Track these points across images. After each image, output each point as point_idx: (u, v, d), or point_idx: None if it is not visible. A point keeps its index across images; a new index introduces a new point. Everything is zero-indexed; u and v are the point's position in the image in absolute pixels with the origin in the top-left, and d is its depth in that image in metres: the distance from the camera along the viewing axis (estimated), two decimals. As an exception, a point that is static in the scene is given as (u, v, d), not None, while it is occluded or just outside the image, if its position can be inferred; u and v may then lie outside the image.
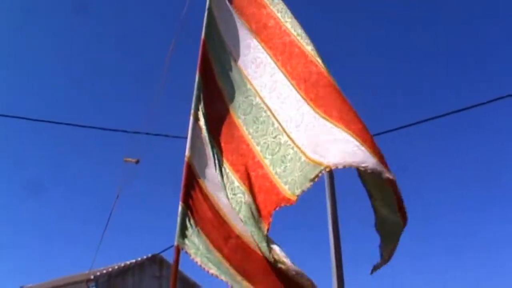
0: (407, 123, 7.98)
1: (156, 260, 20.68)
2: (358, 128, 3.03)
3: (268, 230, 3.13)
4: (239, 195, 3.39)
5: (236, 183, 3.48)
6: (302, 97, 3.46)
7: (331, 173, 9.32)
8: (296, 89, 3.55)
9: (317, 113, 3.29)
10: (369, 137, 3.00)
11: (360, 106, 3.26)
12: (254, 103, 3.84)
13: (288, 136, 3.42)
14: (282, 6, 4.00)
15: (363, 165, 2.83)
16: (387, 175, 2.81)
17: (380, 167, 2.82)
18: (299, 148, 3.27)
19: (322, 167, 2.99)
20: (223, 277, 3.22)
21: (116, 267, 19.84)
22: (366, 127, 3.07)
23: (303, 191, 3.04)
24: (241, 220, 3.27)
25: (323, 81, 3.43)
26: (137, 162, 4.71)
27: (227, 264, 3.28)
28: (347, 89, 3.44)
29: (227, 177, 3.55)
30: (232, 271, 3.26)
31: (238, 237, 3.36)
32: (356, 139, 2.96)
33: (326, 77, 3.41)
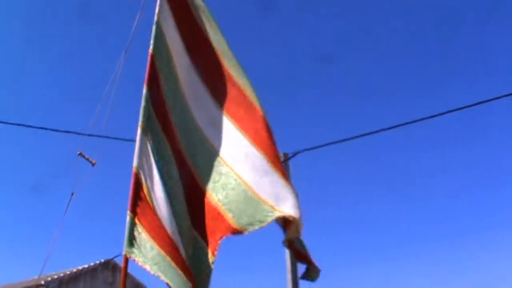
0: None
1: (108, 266, 20.36)
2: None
3: (214, 258, 3.61)
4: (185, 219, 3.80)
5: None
6: (244, 136, 4.06)
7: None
8: (237, 128, 4.15)
9: (262, 155, 3.94)
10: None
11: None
12: (197, 137, 4.29)
13: (230, 167, 3.92)
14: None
15: (301, 221, 3.56)
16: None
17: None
18: (242, 180, 3.78)
19: (274, 214, 3.57)
20: (172, 284, 3.27)
21: (68, 272, 19.45)
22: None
23: (254, 229, 3.57)
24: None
25: (259, 121, 4.11)
26: (94, 164, 4.66)
27: (175, 267, 3.35)
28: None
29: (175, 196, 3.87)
30: (181, 273, 3.33)
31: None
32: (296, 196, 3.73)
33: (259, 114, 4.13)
